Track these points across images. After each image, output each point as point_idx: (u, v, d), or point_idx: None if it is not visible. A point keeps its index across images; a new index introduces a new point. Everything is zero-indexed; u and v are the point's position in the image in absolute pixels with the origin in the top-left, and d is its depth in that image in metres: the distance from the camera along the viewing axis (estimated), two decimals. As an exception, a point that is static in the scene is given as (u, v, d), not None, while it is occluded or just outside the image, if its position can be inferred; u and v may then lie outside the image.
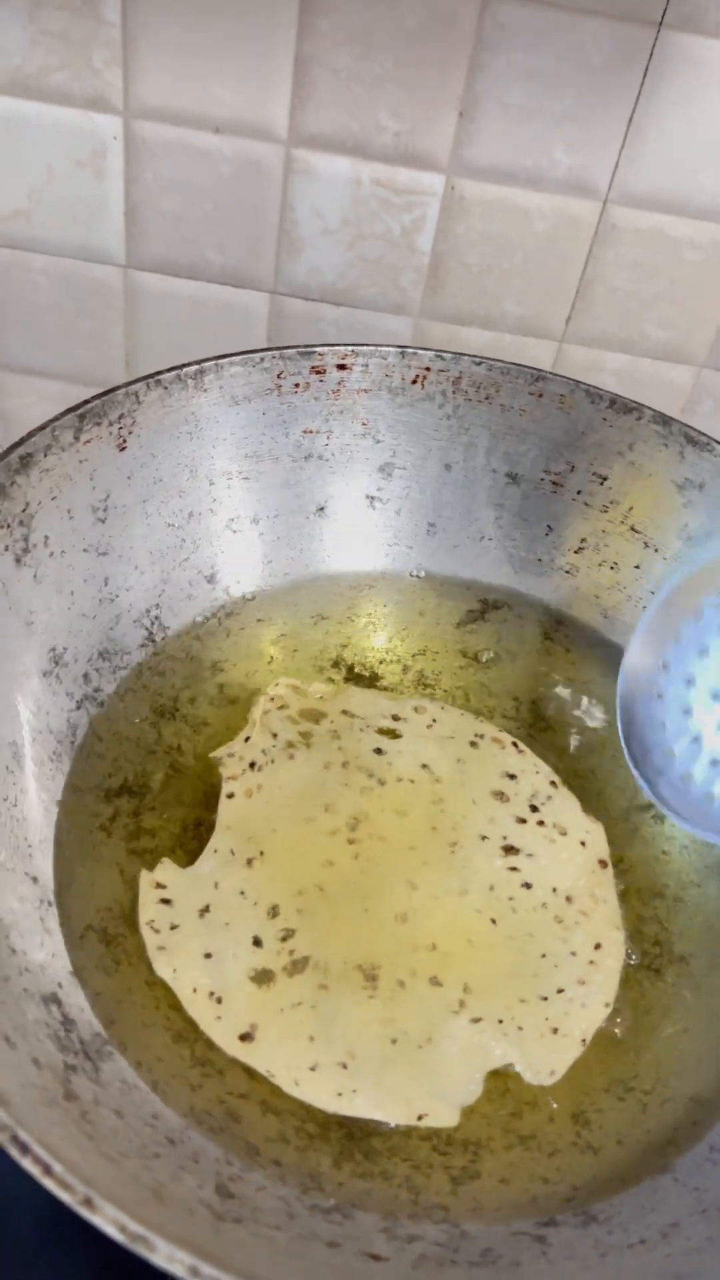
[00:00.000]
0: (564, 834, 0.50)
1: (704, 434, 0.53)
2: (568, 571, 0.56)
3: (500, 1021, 0.44)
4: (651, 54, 0.54)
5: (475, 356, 0.54)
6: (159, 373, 0.50)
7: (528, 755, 0.53)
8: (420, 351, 0.54)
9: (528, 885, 0.48)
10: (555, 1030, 0.44)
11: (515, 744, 0.53)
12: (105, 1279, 0.43)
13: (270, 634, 0.55)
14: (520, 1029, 0.44)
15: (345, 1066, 0.42)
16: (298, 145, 0.58)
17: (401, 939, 0.46)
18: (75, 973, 0.42)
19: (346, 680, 0.55)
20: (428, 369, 0.54)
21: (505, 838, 0.49)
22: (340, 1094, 0.42)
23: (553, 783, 0.52)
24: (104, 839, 0.46)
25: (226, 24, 0.54)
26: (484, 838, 0.49)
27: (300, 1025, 0.43)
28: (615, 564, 0.55)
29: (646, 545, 0.54)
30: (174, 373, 0.51)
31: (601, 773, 0.53)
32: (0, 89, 0.57)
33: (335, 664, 0.55)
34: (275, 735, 0.51)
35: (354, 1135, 0.41)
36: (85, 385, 0.68)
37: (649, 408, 0.53)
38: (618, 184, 0.58)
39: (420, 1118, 0.42)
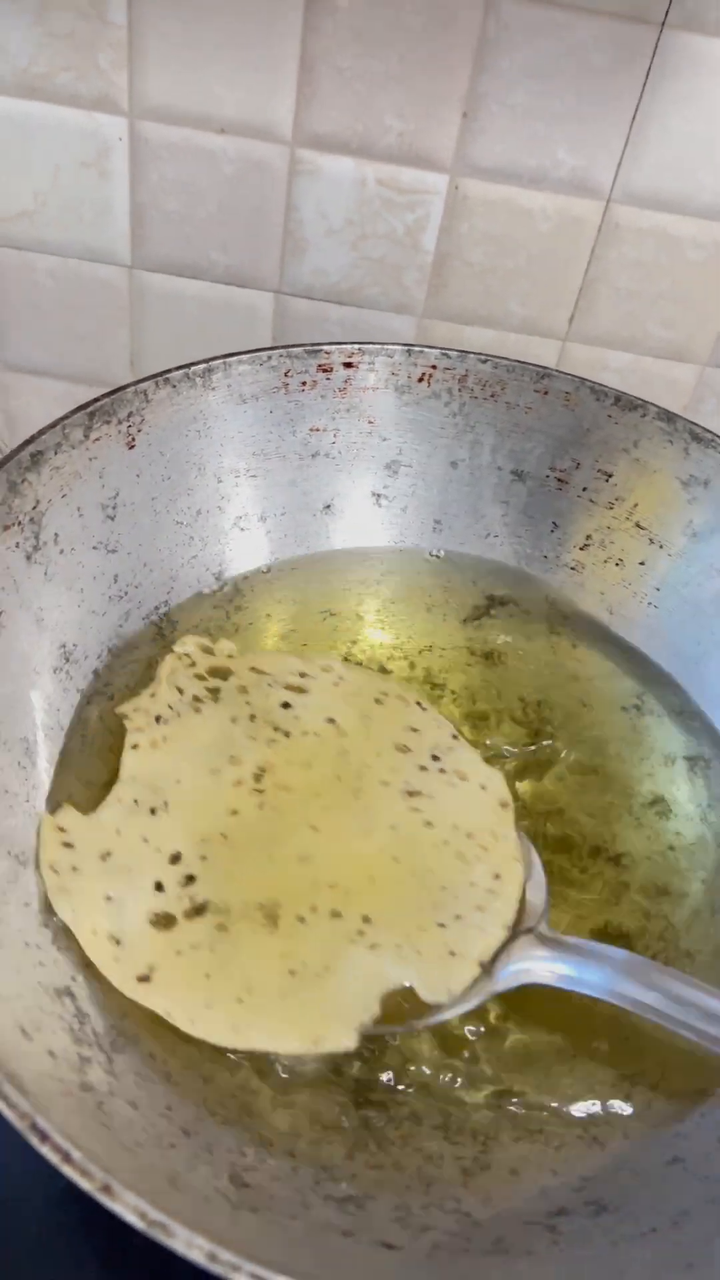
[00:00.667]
0: (464, 779, 0.50)
1: (709, 430, 0.53)
2: (573, 568, 0.56)
3: (398, 946, 0.44)
4: (654, 53, 0.54)
5: (481, 355, 0.55)
6: (167, 371, 0.51)
7: (430, 712, 0.53)
8: (426, 350, 0.54)
9: (429, 824, 0.48)
10: (453, 953, 0.44)
11: (419, 703, 0.53)
12: (111, 1273, 0.43)
13: (278, 630, 0.55)
14: (419, 953, 0.44)
15: (242, 1001, 0.42)
16: (302, 145, 0.58)
17: (303, 878, 0.46)
18: (87, 966, 0.42)
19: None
20: (434, 367, 0.55)
21: (407, 783, 0.49)
22: (236, 1028, 0.41)
23: (454, 735, 0.52)
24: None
25: (231, 25, 0.55)
26: (386, 784, 0.49)
27: (198, 965, 0.43)
28: (620, 560, 0.56)
29: (652, 541, 0.55)
30: (182, 371, 0.51)
31: (606, 770, 0.53)
32: (7, 90, 0.57)
33: (343, 660, 0.55)
34: (181, 691, 0.51)
35: (365, 1125, 0.41)
36: (90, 385, 0.68)
37: (654, 405, 0.54)
38: (621, 183, 0.58)
39: (316, 1041, 0.41)
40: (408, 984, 0.43)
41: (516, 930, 0.45)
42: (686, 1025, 0.41)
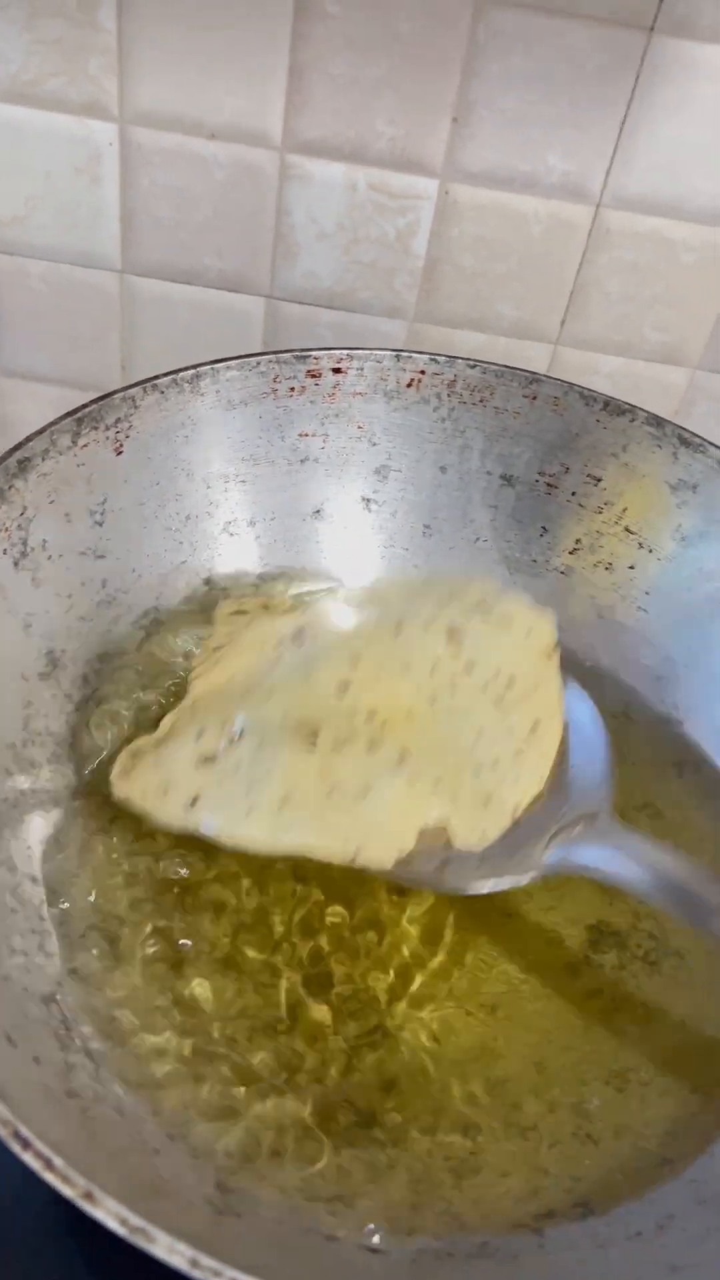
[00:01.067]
0: (510, 624, 0.50)
1: (697, 435, 0.53)
2: (563, 572, 0.56)
3: (436, 781, 0.44)
4: (643, 59, 0.54)
5: (469, 360, 0.55)
6: (155, 377, 0.51)
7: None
8: (415, 355, 0.54)
9: (470, 667, 0.48)
10: (488, 801, 0.45)
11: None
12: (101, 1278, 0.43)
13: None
14: (454, 794, 0.44)
15: (281, 810, 0.43)
16: (293, 151, 0.58)
17: (341, 706, 0.46)
18: (75, 972, 0.42)
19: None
20: (422, 372, 0.55)
21: (451, 623, 0.49)
22: (275, 833, 0.42)
23: (500, 590, 0.51)
24: (105, 840, 0.47)
25: (221, 31, 0.55)
26: (428, 624, 0.49)
27: (239, 780, 0.43)
28: (610, 564, 0.56)
29: (641, 546, 0.55)
30: (170, 377, 0.51)
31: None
32: (-3, 96, 0.57)
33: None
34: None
35: (353, 1128, 0.41)
36: (83, 390, 0.68)
37: (642, 409, 0.54)
38: (611, 188, 0.58)
39: (356, 851, 0.42)
40: (443, 822, 0.44)
41: (574, 811, 0.45)
42: None
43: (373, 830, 0.43)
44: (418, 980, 0.46)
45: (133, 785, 0.45)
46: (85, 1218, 0.38)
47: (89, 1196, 0.30)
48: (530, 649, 0.49)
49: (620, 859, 0.43)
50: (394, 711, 0.46)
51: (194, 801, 0.43)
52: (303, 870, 0.48)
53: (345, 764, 0.44)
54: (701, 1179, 0.39)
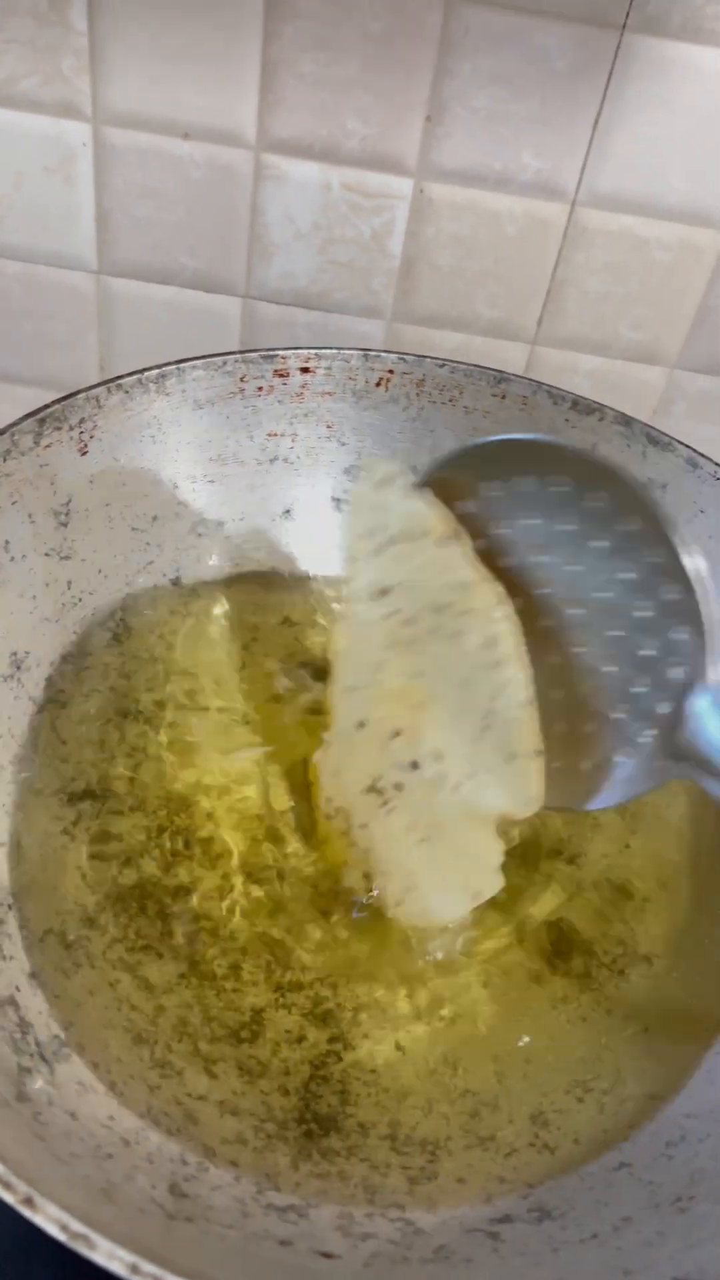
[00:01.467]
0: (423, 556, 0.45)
1: (665, 434, 0.53)
2: (535, 571, 0.56)
3: (472, 777, 0.44)
4: (615, 57, 0.54)
5: (438, 359, 0.54)
6: (120, 377, 0.51)
7: None
8: (383, 354, 0.54)
9: (409, 620, 0.45)
10: (510, 757, 0.43)
11: None
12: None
13: (238, 637, 0.55)
14: (489, 774, 0.44)
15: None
16: (267, 150, 0.58)
17: (373, 742, 0.47)
18: (34, 975, 0.42)
19: (315, 680, 0.55)
20: (391, 371, 0.54)
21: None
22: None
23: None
24: (67, 842, 0.47)
25: (193, 30, 0.54)
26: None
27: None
28: (582, 565, 0.55)
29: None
30: (135, 377, 0.51)
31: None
32: (-32, 97, 0.57)
33: (303, 666, 0.55)
34: None
35: (312, 1135, 0.41)
36: (59, 391, 0.68)
37: (610, 408, 0.54)
38: (586, 186, 0.58)
39: (476, 896, 0.45)
40: (500, 810, 0.44)
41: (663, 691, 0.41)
42: None
43: (473, 860, 0.45)
44: (381, 991, 0.45)
45: None
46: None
47: (29, 1202, 0.30)
48: (447, 563, 0.44)
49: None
50: (404, 712, 0.46)
51: None
52: (268, 875, 0.48)
53: (416, 807, 0.45)
54: (658, 1182, 0.39)
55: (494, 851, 0.45)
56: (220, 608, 0.55)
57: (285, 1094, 0.42)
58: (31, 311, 0.66)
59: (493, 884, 0.45)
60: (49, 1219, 0.30)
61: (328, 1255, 0.36)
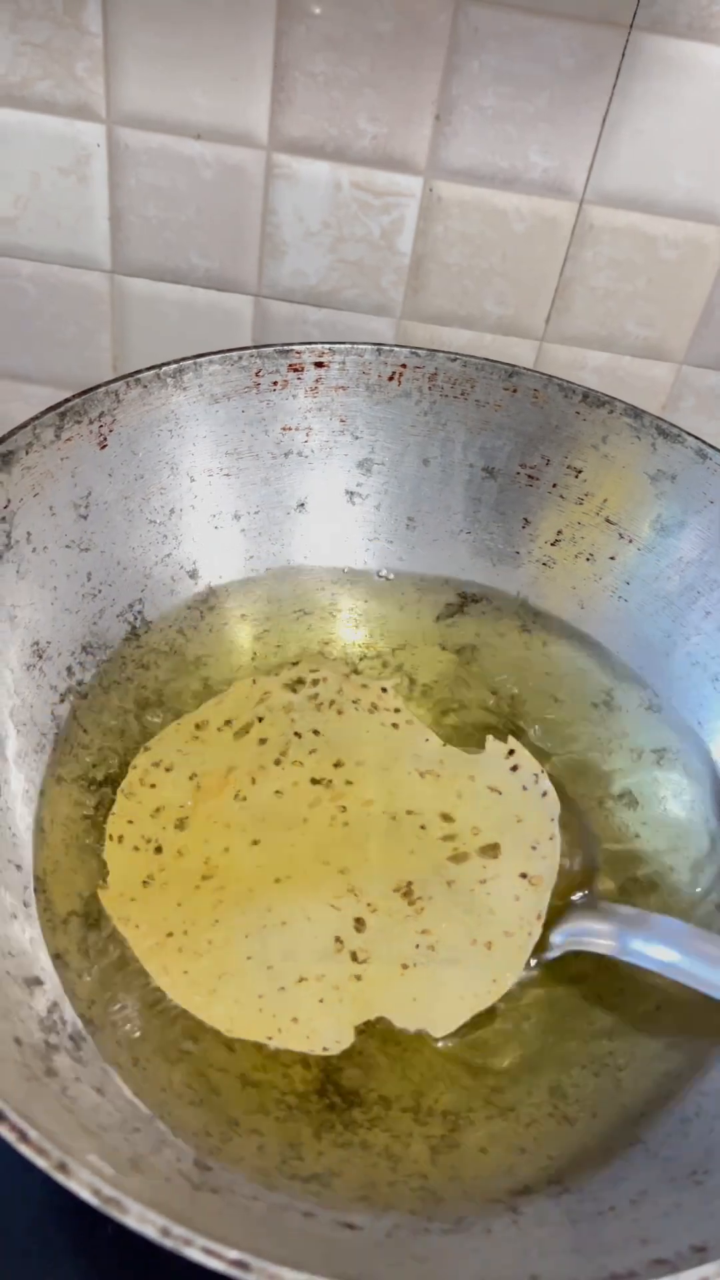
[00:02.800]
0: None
1: (675, 425, 0.53)
2: (544, 563, 0.57)
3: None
4: (623, 56, 0.55)
5: (450, 353, 0.55)
6: (138, 371, 0.51)
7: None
8: (396, 349, 0.55)
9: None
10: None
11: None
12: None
13: (252, 629, 0.56)
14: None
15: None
16: (278, 150, 0.59)
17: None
18: (57, 956, 0.43)
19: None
20: (404, 366, 0.55)
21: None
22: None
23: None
24: (88, 828, 0.47)
25: (205, 32, 0.55)
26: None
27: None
28: (591, 555, 0.56)
29: (621, 536, 0.55)
30: (153, 371, 0.52)
31: (576, 763, 0.53)
32: (-16, 98, 0.58)
33: (318, 657, 0.56)
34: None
35: (334, 1107, 0.42)
36: (73, 390, 0.68)
37: (621, 401, 0.54)
38: (594, 184, 0.59)
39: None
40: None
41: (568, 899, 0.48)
42: None
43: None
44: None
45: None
46: (81, 1224, 0.38)
47: (63, 1168, 0.31)
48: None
49: (623, 936, 0.45)
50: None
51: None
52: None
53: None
54: (673, 1156, 0.40)
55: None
56: (235, 600, 0.56)
57: (308, 1069, 0.42)
58: (45, 311, 0.66)
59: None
60: (82, 1184, 0.31)
61: (350, 1226, 0.37)
